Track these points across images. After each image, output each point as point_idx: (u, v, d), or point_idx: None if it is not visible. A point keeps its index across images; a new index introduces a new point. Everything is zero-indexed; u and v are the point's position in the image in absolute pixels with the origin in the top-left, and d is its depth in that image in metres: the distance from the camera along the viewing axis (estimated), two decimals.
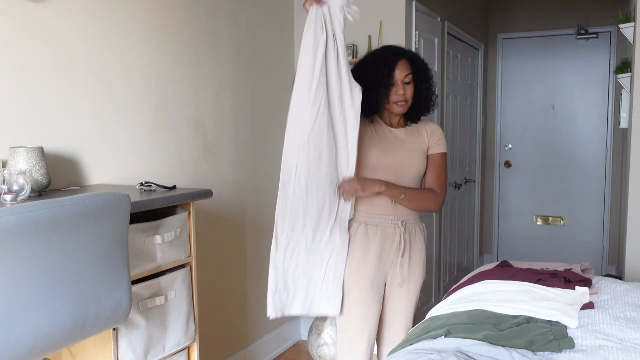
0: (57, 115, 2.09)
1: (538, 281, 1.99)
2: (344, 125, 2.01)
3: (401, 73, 2.08)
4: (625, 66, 3.51)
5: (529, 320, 1.67)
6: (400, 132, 2.20)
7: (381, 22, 3.29)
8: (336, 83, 1.97)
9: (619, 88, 4.26)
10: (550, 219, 5.41)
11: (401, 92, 2.08)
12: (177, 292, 1.98)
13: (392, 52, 2.12)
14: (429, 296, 3.93)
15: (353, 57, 3.33)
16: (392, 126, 2.21)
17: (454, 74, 4.30)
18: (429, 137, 2.22)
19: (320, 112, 1.95)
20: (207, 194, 2.10)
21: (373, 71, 2.07)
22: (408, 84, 2.10)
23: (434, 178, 2.21)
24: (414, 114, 2.21)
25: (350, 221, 2.20)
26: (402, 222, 2.17)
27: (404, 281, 2.20)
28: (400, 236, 2.16)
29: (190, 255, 2.06)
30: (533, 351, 1.52)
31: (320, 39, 1.92)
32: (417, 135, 2.22)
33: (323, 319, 3.33)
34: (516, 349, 1.49)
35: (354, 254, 2.15)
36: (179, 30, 2.65)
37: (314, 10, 1.93)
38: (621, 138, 4.87)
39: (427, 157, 2.22)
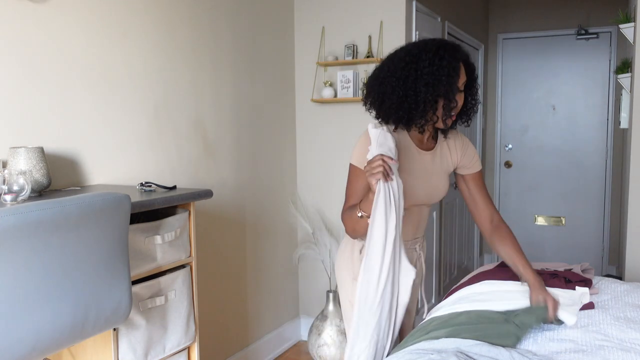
0: (57, 115, 2.09)
1: None
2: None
3: (461, 80, 1.72)
4: (625, 66, 3.51)
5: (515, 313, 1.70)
6: (428, 156, 1.87)
7: (381, 22, 3.29)
8: (397, 257, 1.72)
9: (619, 88, 4.26)
10: (551, 219, 5.40)
11: (459, 104, 1.74)
12: (177, 292, 1.98)
13: (455, 53, 1.72)
14: (429, 296, 3.93)
15: (353, 57, 3.33)
16: (421, 146, 1.87)
17: None
18: (461, 154, 1.93)
19: (386, 299, 1.70)
20: (207, 194, 2.10)
21: (434, 77, 1.67)
22: (460, 92, 1.75)
23: (488, 202, 1.93)
24: (452, 126, 1.86)
25: (360, 243, 1.95)
26: (419, 244, 2.00)
27: (417, 301, 2.09)
28: (416, 261, 2.01)
29: (190, 255, 2.06)
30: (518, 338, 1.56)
31: (390, 213, 1.63)
32: (441, 154, 1.91)
33: (323, 319, 3.33)
34: (516, 349, 1.49)
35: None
36: (179, 31, 2.65)
37: (381, 185, 1.60)
38: (621, 138, 4.87)
39: (463, 176, 1.95)
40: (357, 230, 1.75)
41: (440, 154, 1.90)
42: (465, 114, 1.84)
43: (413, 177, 1.80)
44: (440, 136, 1.92)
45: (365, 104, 1.84)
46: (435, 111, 1.72)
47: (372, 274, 1.68)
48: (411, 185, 1.79)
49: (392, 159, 1.61)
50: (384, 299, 1.69)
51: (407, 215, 1.83)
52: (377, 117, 1.83)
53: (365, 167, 1.63)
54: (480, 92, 5.62)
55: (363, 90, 1.84)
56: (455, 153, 1.93)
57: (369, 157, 1.64)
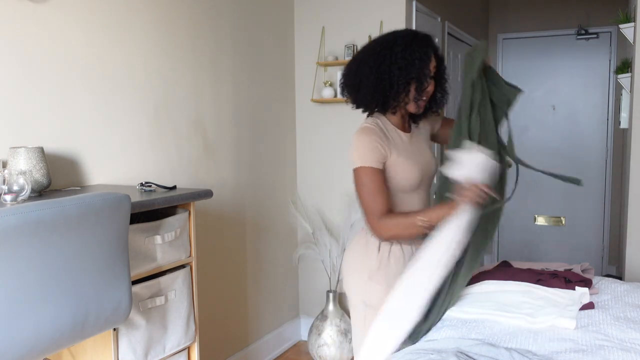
0: (57, 115, 2.09)
1: (538, 281, 1.99)
2: None
3: (431, 65, 1.84)
4: (625, 66, 3.51)
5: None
6: (411, 136, 1.96)
7: (381, 22, 3.29)
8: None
9: (619, 88, 4.26)
10: (550, 219, 5.40)
11: (430, 88, 1.85)
12: (177, 292, 1.98)
13: (427, 43, 1.84)
14: None
15: None
16: (404, 129, 1.94)
17: (454, 73, 4.30)
18: (430, 121, 2.04)
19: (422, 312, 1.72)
20: (207, 194, 2.10)
21: (407, 61, 1.78)
22: (432, 78, 1.86)
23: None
24: (422, 114, 1.96)
25: (376, 241, 1.92)
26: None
27: None
28: None
29: (190, 255, 2.06)
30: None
31: (455, 238, 1.68)
32: (419, 129, 2.01)
33: (323, 319, 3.33)
34: (516, 349, 1.49)
35: (391, 281, 1.84)
36: (179, 31, 2.65)
37: (466, 209, 1.67)
38: (621, 138, 4.87)
39: (440, 130, 2.06)
40: (403, 235, 1.82)
41: (418, 131, 2.00)
42: (435, 103, 1.94)
43: (405, 157, 1.86)
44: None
45: (342, 92, 1.93)
46: (407, 93, 1.81)
47: (419, 287, 1.70)
48: (405, 164, 1.84)
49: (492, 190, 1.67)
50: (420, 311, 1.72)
51: (416, 199, 1.89)
52: (353, 103, 1.90)
53: (465, 189, 1.66)
54: None
55: (341, 82, 1.93)
56: (430, 120, 2.04)
57: (466, 176, 1.66)
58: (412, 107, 1.86)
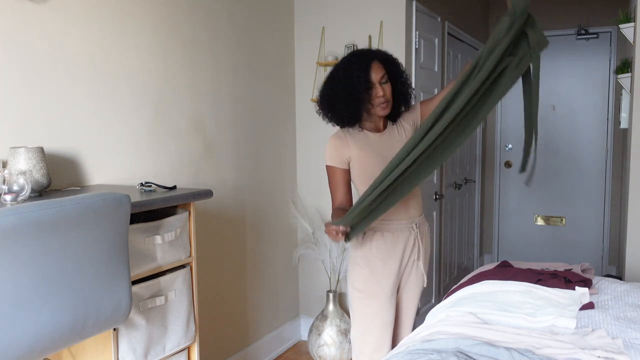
0: (57, 115, 2.09)
1: (538, 281, 2.00)
2: None
3: (376, 74, 2.04)
4: (625, 66, 3.51)
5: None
6: (386, 135, 2.17)
7: (381, 22, 3.29)
8: None
9: (619, 88, 4.25)
10: (551, 219, 5.40)
11: (381, 93, 2.04)
12: (177, 292, 1.98)
13: (363, 55, 2.07)
14: (429, 296, 3.93)
15: None
16: (378, 131, 2.17)
17: (454, 74, 4.30)
18: (409, 113, 2.20)
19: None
20: (207, 194, 2.10)
21: (347, 79, 2.02)
22: (385, 83, 2.06)
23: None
24: (395, 113, 2.17)
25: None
26: (416, 224, 2.19)
27: (417, 282, 2.27)
28: (414, 239, 2.18)
29: (190, 255, 2.06)
30: None
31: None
32: (397, 128, 2.18)
33: (323, 319, 3.33)
34: (516, 349, 1.49)
35: (373, 264, 2.15)
36: (179, 30, 2.65)
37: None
38: (621, 138, 4.87)
39: (424, 114, 2.19)
40: None
41: (396, 129, 2.19)
42: (404, 100, 2.15)
43: (368, 152, 2.10)
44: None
45: (323, 118, 2.16)
46: (361, 105, 2.04)
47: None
48: (367, 157, 2.10)
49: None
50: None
51: None
52: (334, 124, 2.14)
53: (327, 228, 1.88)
54: None
55: (317, 109, 2.18)
56: (406, 118, 2.20)
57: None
58: (378, 112, 2.08)
